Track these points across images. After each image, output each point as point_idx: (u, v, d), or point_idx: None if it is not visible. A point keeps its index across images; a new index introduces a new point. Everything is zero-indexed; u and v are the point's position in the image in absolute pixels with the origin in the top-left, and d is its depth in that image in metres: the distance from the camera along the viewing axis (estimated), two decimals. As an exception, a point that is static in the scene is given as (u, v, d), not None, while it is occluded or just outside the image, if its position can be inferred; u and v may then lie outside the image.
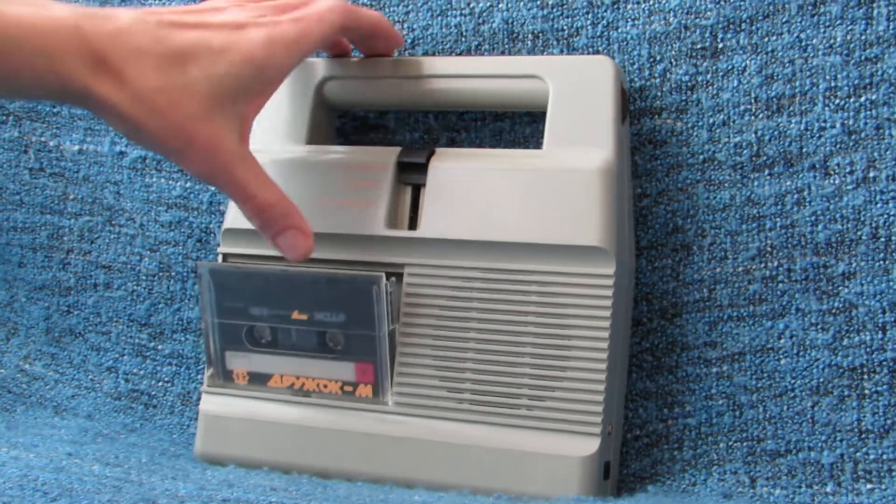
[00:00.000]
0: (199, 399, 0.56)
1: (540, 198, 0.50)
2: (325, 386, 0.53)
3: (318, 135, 0.57)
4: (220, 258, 0.56)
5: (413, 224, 0.52)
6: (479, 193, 0.51)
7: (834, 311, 0.51)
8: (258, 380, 0.54)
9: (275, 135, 0.56)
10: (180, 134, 0.45)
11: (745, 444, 0.52)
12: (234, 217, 0.55)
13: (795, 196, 0.52)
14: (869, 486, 0.49)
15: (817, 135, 0.52)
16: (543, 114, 0.52)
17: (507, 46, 0.58)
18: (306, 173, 0.55)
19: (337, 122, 0.61)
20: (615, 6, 0.56)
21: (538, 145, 0.52)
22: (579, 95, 0.51)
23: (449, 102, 0.56)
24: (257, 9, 0.50)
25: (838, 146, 0.52)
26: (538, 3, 0.57)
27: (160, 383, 0.65)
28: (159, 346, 0.65)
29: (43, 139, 0.70)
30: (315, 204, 0.53)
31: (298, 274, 0.52)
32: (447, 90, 0.54)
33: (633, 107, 0.56)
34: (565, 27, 0.57)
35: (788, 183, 0.52)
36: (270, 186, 0.49)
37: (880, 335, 0.50)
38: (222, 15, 0.48)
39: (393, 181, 0.53)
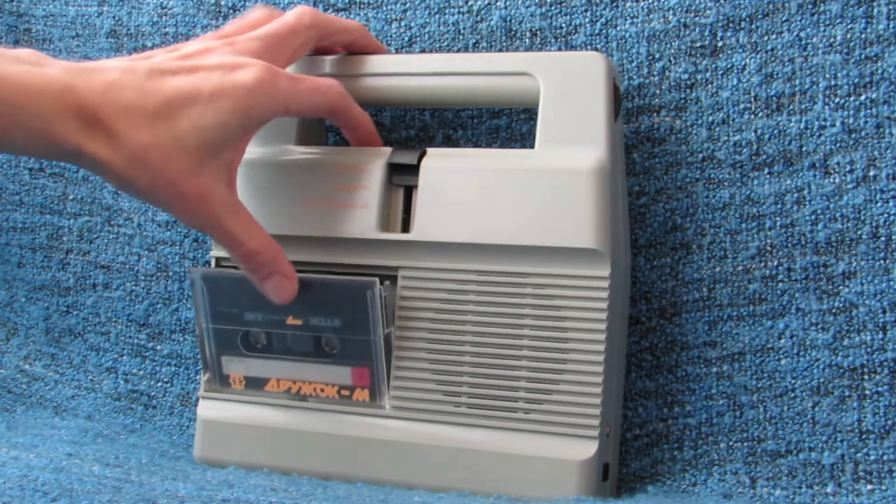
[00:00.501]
0: (197, 401, 0.56)
1: (533, 199, 0.49)
2: (322, 390, 0.53)
3: (308, 135, 0.57)
4: (212, 262, 0.56)
5: (406, 226, 0.52)
6: (472, 195, 0.50)
7: (834, 310, 0.51)
8: (255, 384, 0.54)
9: (264, 135, 0.56)
10: (172, 189, 0.46)
11: (745, 444, 0.52)
12: None
13: (795, 195, 0.52)
14: (869, 486, 0.49)
15: (817, 133, 0.52)
16: (538, 111, 0.52)
17: (505, 44, 0.58)
18: (297, 175, 0.54)
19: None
20: (614, 4, 0.56)
21: (534, 143, 0.52)
22: (571, 93, 0.51)
23: (439, 100, 0.55)
24: (243, 47, 0.50)
25: (838, 145, 0.51)
26: (536, 0, 0.57)
27: (159, 384, 0.65)
28: (158, 347, 0.65)
29: (42, 138, 0.69)
30: (306, 206, 0.53)
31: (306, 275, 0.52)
32: (437, 88, 0.54)
33: (631, 104, 0.55)
34: (563, 25, 0.57)
35: (788, 182, 0.52)
36: (258, 233, 0.49)
37: (881, 335, 0.50)
38: (212, 57, 0.48)
39: (384, 183, 0.52)
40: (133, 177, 0.45)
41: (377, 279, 0.50)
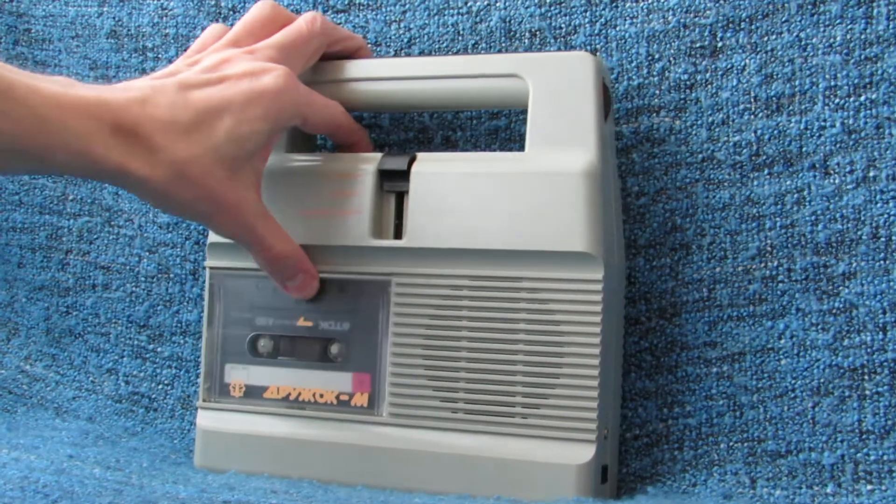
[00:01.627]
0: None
1: (524, 203, 0.49)
2: (322, 395, 0.53)
3: (298, 142, 0.57)
4: (207, 272, 0.56)
5: (398, 233, 0.52)
6: (463, 200, 0.50)
7: (834, 311, 0.51)
8: (254, 392, 0.54)
9: None
10: (210, 200, 0.47)
11: (745, 444, 0.52)
12: None
13: (795, 195, 0.52)
14: (869, 486, 0.49)
15: (817, 134, 0.52)
16: None
17: (504, 45, 0.58)
18: (287, 183, 0.54)
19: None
20: (613, 4, 0.56)
21: (528, 145, 0.51)
22: (559, 93, 0.50)
23: (429, 103, 0.55)
24: (263, 55, 0.51)
25: (838, 145, 0.51)
26: (536, 1, 0.57)
27: (160, 386, 0.65)
28: (158, 349, 0.65)
29: (41, 139, 0.69)
30: (298, 214, 0.53)
31: None
32: (427, 91, 0.54)
33: (631, 105, 0.55)
34: (563, 25, 0.56)
35: (788, 182, 0.52)
36: (285, 238, 0.51)
37: (881, 335, 0.50)
38: (237, 66, 0.49)
39: (375, 189, 0.52)
40: (175, 191, 0.45)
41: (392, 279, 0.51)
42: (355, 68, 0.55)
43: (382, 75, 0.54)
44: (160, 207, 0.48)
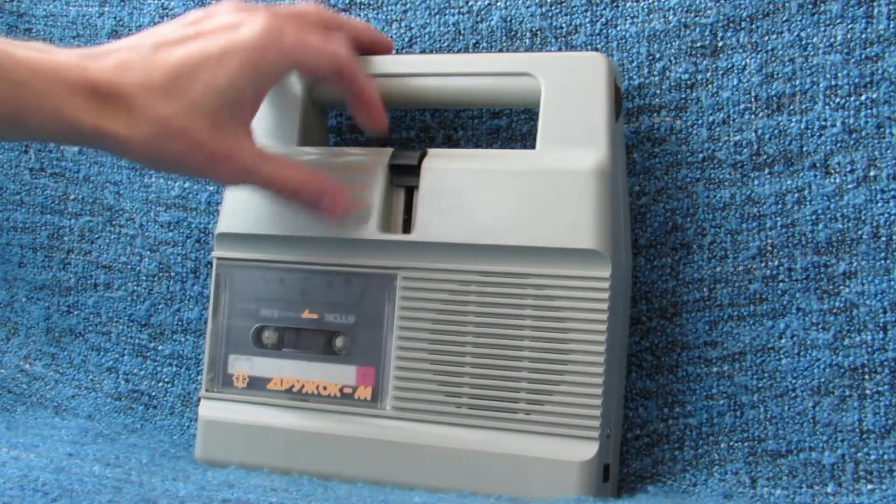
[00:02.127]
0: (199, 401, 0.57)
1: (534, 200, 0.49)
2: (325, 388, 0.53)
3: (309, 136, 0.57)
4: (213, 263, 0.56)
5: (407, 227, 0.52)
6: (473, 195, 0.50)
7: (835, 310, 0.51)
8: (257, 383, 0.54)
9: (266, 136, 0.56)
10: (200, 151, 0.47)
11: (745, 444, 0.52)
12: (227, 221, 0.55)
13: (796, 195, 0.52)
14: (870, 486, 0.49)
15: (818, 133, 0.52)
16: (539, 112, 0.52)
17: (505, 44, 0.58)
18: None
19: (333, 120, 0.61)
20: (614, 4, 0.56)
21: (535, 143, 0.52)
22: (572, 93, 0.51)
23: (440, 101, 0.55)
24: (247, 8, 0.50)
25: (839, 145, 0.51)
26: (537, 0, 0.57)
27: (160, 384, 0.65)
28: (159, 347, 0.65)
29: (43, 139, 0.69)
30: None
31: (315, 271, 0.53)
32: (438, 88, 0.54)
33: (631, 104, 0.55)
34: (564, 25, 0.57)
35: (789, 182, 0.52)
36: (295, 167, 0.50)
37: (881, 335, 0.50)
38: (215, 20, 0.49)
39: (385, 184, 0.52)
40: (159, 149, 0.46)
41: (398, 273, 0.51)
42: (367, 65, 0.55)
43: (393, 71, 0.55)
44: (152, 167, 0.48)
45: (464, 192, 0.51)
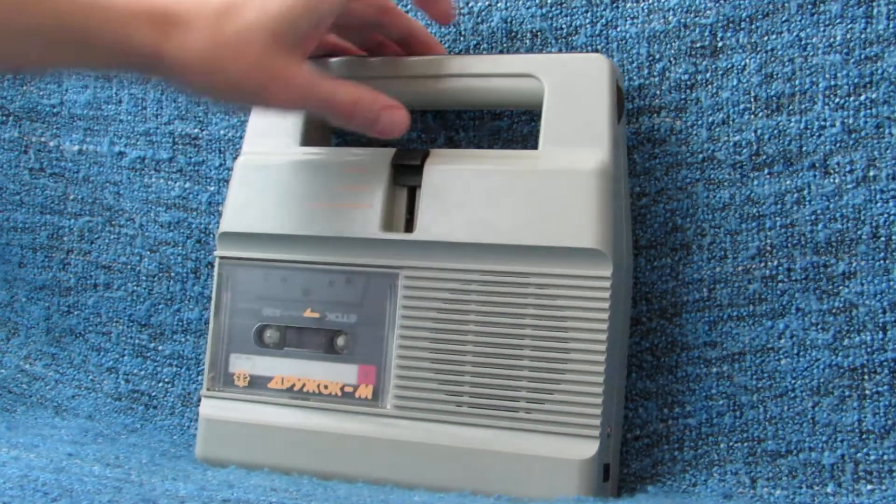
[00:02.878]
0: (199, 401, 0.57)
1: (536, 199, 0.50)
2: (326, 387, 0.53)
3: (313, 136, 0.57)
4: (216, 262, 0.56)
5: (409, 226, 0.52)
6: (475, 195, 0.51)
7: (834, 310, 0.51)
8: (258, 382, 0.54)
9: (269, 136, 0.56)
10: (259, 71, 0.47)
11: (745, 444, 0.52)
12: (230, 220, 0.56)
13: (795, 195, 0.52)
14: (869, 486, 0.49)
15: (817, 133, 0.52)
16: (540, 113, 0.52)
17: (505, 45, 0.58)
18: (301, 175, 0.55)
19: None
20: (614, 5, 0.56)
21: (536, 144, 0.52)
22: (574, 94, 0.51)
23: (443, 102, 0.55)
24: None
25: (838, 145, 0.51)
26: (537, 1, 0.57)
27: (160, 384, 0.65)
28: (159, 347, 0.66)
29: (43, 139, 0.70)
30: (310, 206, 0.54)
31: (317, 270, 0.53)
32: (441, 90, 0.54)
33: (632, 105, 0.55)
34: (564, 26, 0.57)
35: (788, 182, 0.52)
36: (348, 88, 0.50)
37: (881, 335, 0.50)
38: None
39: (388, 183, 0.53)
40: (216, 69, 0.46)
41: (400, 272, 0.51)
42: (370, 67, 0.56)
43: (395, 73, 0.55)
44: (207, 95, 0.49)
45: (466, 191, 0.51)
